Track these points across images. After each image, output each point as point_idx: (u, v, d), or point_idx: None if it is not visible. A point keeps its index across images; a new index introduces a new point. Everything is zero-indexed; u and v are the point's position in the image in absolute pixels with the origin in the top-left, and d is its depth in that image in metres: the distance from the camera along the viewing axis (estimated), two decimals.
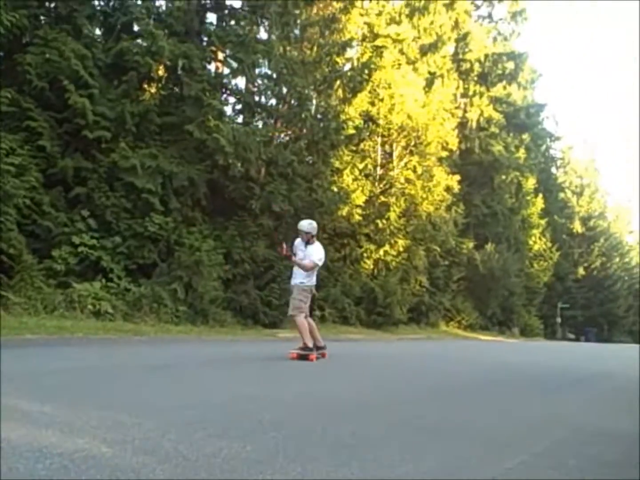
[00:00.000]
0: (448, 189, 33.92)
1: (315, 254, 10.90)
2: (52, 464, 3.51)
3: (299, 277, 10.96)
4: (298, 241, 11.20)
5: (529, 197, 47.41)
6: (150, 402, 5.87)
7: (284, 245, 11.38)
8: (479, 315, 40.28)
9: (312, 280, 11.03)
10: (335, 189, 25.57)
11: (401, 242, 29.52)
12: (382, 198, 29.75)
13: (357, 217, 27.48)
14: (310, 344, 10.88)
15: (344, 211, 26.34)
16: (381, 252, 28.74)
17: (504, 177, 42.75)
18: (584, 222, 65.92)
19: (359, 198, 27.40)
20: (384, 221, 28.90)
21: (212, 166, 19.64)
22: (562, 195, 63.03)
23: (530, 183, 46.98)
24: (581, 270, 62.42)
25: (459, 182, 35.11)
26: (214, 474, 3.61)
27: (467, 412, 6.94)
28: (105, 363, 9.48)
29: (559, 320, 57.38)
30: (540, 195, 49.41)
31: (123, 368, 8.86)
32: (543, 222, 50.35)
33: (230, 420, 5.23)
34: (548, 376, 12.87)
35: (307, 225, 11.17)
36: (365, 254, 28.46)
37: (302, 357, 10.73)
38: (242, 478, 3.59)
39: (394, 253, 29.29)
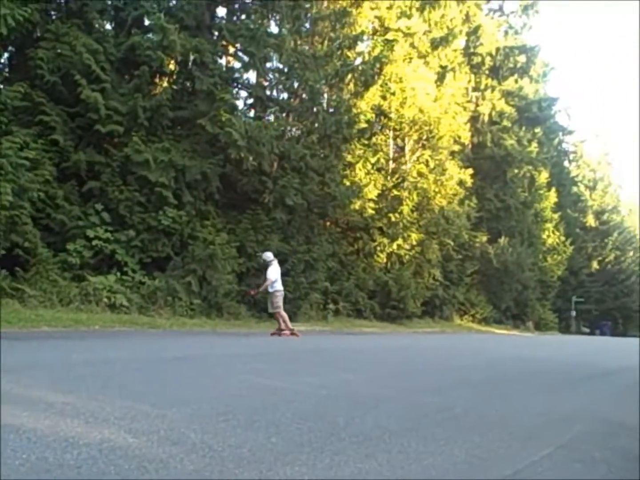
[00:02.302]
0: (461, 182, 33.77)
1: (270, 274, 15.84)
2: (79, 454, 3.51)
3: (270, 288, 15.81)
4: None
5: (541, 191, 47.11)
6: (172, 394, 5.85)
7: (253, 290, 16.94)
8: (493, 309, 40.07)
9: (278, 287, 15.91)
10: (348, 183, 25.56)
11: (414, 236, 29.41)
12: (395, 192, 29.64)
13: (370, 211, 27.36)
14: (284, 327, 15.70)
15: (357, 205, 26.28)
16: (394, 245, 28.62)
17: (516, 170, 42.53)
18: (597, 216, 65.50)
19: (372, 192, 27.31)
20: (397, 215, 28.77)
21: (224, 160, 19.65)
22: (575, 189, 62.64)
23: (543, 177, 46.70)
24: (595, 264, 62.04)
25: (472, 175, 34.97)
26: (241, 464, 3.58)
27: (490, 405, 6.89)
28: (123, 355, 9.47)
29: (573, 314, 57.11)
30: (553, 189, 49.15)
31: (141, 360, 8.85)
32: (556, 216, 50.04)
33: (253, 411, 5.20)
34: (567, 370, 12.78)
35: (265, 255, 16.44)
36: (378, 248, 28.34)
37: (277, 334, 15.59)
38: (269, 469, 3.55)
39: (407, 247, 29.19)
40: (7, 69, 17.86)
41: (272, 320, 20.07)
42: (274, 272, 15.90)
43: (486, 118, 40.37)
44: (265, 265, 16.19)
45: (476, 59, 41.38)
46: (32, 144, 15.04)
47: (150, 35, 18.64)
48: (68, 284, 15.02)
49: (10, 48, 17.12)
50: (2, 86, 16.21)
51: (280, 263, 20.99)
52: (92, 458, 3.45)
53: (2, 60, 17.44)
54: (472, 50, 41.17)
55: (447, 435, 4.96)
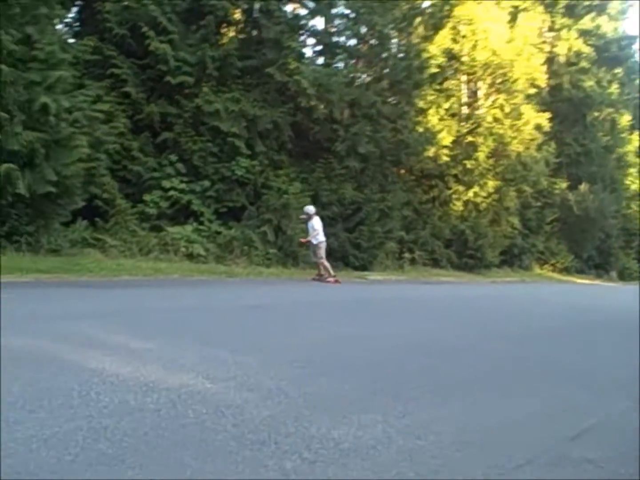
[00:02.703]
0: (538, 127, 32.46)
1: (316, 225, 16.41)
2: (159, 398, 3.62)
3: (314, 240, 16.31)
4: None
5: (624, 135, 44.99)
6: (249, 341, 5.95)
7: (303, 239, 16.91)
8: (575, 258, 38.89)
9: (321, 238, 16.43)
10: (421, 130, 24.90)
11: (491, 183, 28.61)
12: (470, 138, 28.74)
13: (445, 158, 26.65)
14: (325, 274, 16.27)
15: (431, 152, 25.62)
16: (471, 193, 27.92)
17: (596, 113, 40.66)
18: None
19: (446, 138, 26.55)
20: (473, 162, 27.97)
21: (295, 109, 19.47)
22: None
23: (625, 119, 44.52)
24: None
25: (549, 119, 33.52)
26: (316, 411, 3.63)
27: (569, 356, 6.70)
28: (202, 303, 9.69)
29: None
30: (637, 132, 46.94)
31: (219, 308, 9.03)
32: None
33: (328, 359, 5.27)
34: None
35: (307, 209, 16.69)
36: (454, 196, 27.71)
37: (317, 280, 16.24)
38: (344, 415, 3.58)
39: (484, 194, 28.42)
40: (77, 23, 18.09)
41: (348, 269, 20.13)
42: (318, 224, 16.52)
43: (563, 59, 38.69)
44: (309, 217, 16.56)
45: None
46: (105, 97, 15.25)
47: None
48: (147, 234, 15.32)
49: (78, 2, 17.30)
50: (73, 40, 16.42)
51: (355, 212, 21.02)
52: (171, 402, 3.56)
53: (72, 15, 17.62)
54: None
55: (524, 385, 4.94)
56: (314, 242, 16.36)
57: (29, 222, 12.77)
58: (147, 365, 4.39)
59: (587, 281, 36.52)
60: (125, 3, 16.47)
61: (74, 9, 17.43)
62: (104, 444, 2.80)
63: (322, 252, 16.42)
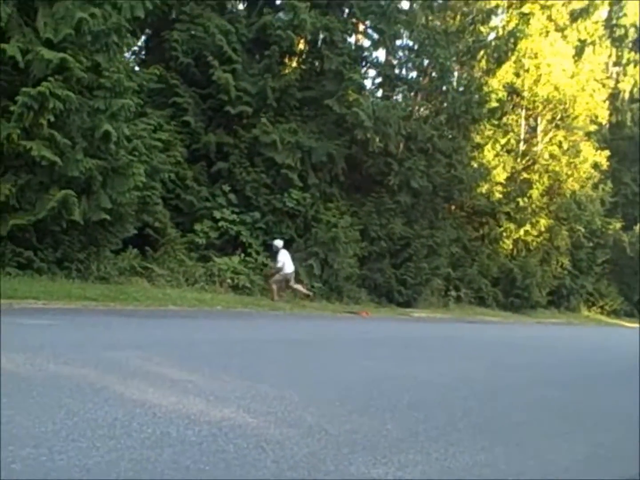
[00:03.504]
0: (596, 165, 31.73)
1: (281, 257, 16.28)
2: (200, 430, 3.61)
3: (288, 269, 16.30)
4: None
5: None
6: (290, 376, 5.96)
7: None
8: (624, 301, 37.93)
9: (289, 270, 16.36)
10: (476, 165, 24.67)
11: (543, 222, 28.13)
12: (525, 175, 28.40)
13: (498, 195, 26.37)
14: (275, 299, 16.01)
15: (484, 188, 25.39)
16: (521, 231, 27.51)
17: None
18: None
19: (500, 175, 26.29)
20: (526, 199, 27.56)
21: (350, 141, 19.44)
22: None
23: None
24: None
25: (608, 158, 32.76)
26: (356, 449, 3.60)
27: (617, 402, 6.60)
28: (244, 336, 9.72)
29: None
30: None
31: (262, 341, 9.04)
32: None
33: (370, 397, 5.21)
34: None
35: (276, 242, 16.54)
36: (504, 234, 27.32)
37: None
38: (383, 455, 3.55)
39: (535, 233, 27.99)
40: (143, 52, 18.42)
41: (392, 306, 20.00)
42: (285, 256, 16.33)
43: (627, 95, 37.85)
44: (277, 251, 16.38)
45: (619, 32, 38.74)
46: (165, 125, 15.45)
47: (281, 14, 18.57)
48: (194, 264, 15.43)
49: (147, 31, 17.58)
50: (138, 68, 16.70)
51: (403, 247, 20.88)
52: (212, 435, 3.57)
53: (139, 43, 17.95)
54: (614, 22, 38.57)
55: (569, 430, 4.86)
56: (288, 271, 16.22)
57: (81, 249, 12.88)
58: (190, 397, 4.42)
59: (636, 325, 35.63)
60: (193, 32, 16.68)
61: (142, 38, 17.73)
62: (145, 476, 2.82)
63: (281, 278, 16.25)
